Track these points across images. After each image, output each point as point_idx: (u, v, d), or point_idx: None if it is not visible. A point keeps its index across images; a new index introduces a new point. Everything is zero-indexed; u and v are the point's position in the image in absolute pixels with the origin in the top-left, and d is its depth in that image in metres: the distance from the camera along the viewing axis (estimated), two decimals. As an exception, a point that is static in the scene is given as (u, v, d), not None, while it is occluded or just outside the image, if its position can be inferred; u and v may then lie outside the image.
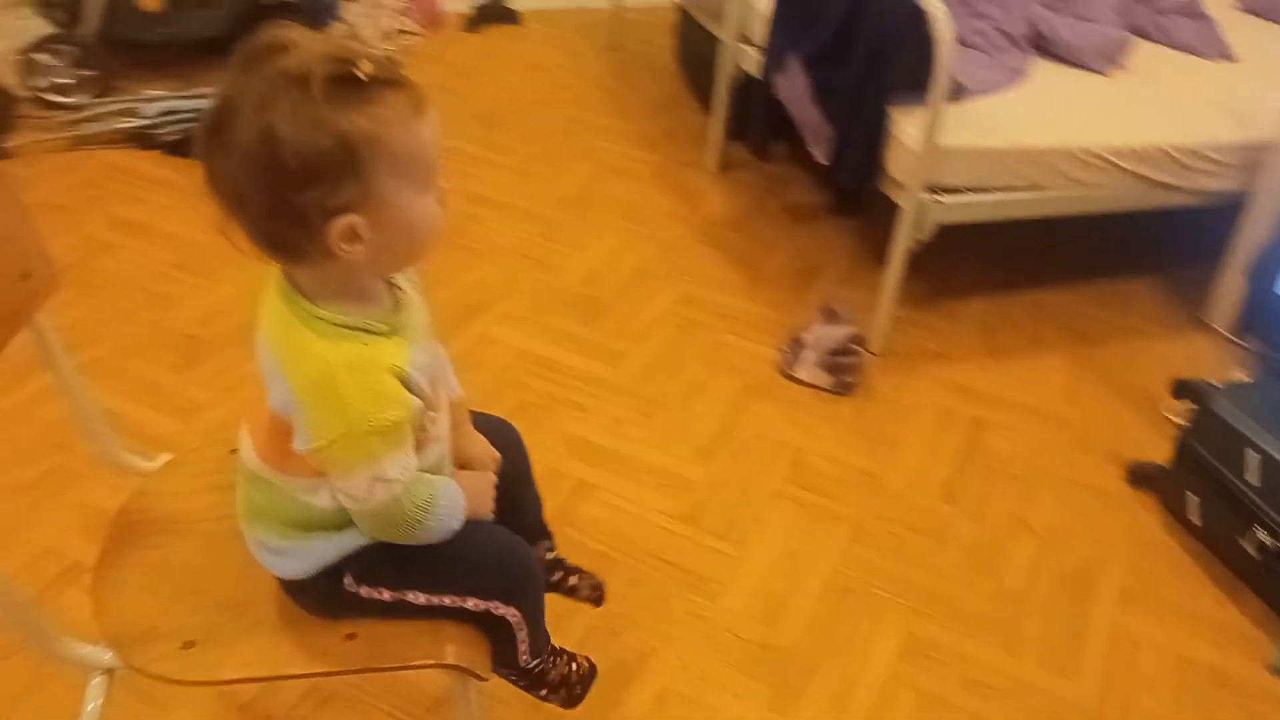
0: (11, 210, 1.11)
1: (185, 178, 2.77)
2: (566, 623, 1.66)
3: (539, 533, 1.37)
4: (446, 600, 1.08)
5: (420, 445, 1.01)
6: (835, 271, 2.64)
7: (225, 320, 2.26)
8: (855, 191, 2.33)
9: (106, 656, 1.04)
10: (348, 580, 1.06)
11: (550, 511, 1.85)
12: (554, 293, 2.45)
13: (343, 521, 1.04)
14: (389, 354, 0.95)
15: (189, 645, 1.05)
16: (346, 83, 0.84)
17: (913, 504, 1.96)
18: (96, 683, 1.05)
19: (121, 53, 3.19)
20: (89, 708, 1.03)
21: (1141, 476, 2.03)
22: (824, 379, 2.22)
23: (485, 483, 1.16)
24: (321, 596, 1.08)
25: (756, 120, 2.70)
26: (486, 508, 1.15)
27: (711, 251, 2.67)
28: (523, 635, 1.15)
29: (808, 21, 2.40)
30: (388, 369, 0.94)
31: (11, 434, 1.92)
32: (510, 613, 1.11)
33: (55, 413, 1.89)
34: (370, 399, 0.92)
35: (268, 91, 0.83)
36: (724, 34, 2.85)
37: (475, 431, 1.21)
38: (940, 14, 2.04)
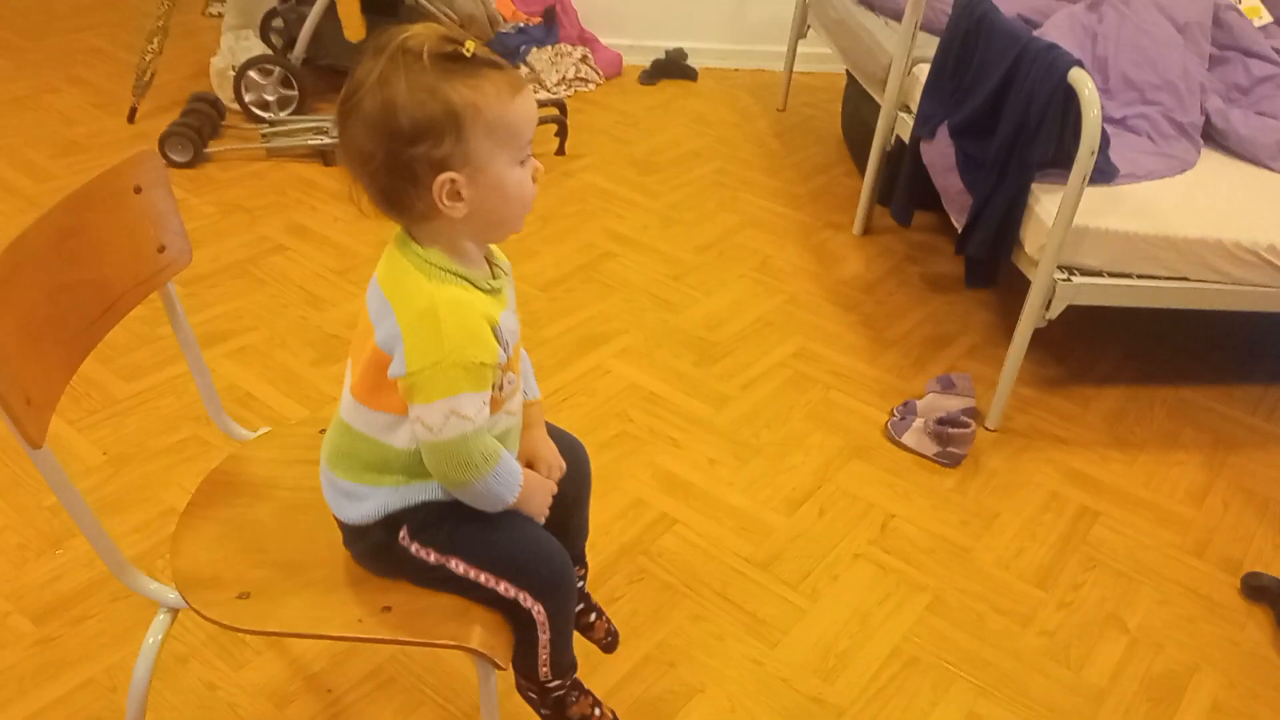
0: (160, 192, 1.25)
1: (357, 193, 3.00)
2: (623, 648, 1.69)
3: (579, 559, 1.42)
4: (483, 577, 1.15)
5: (494, 405, 1.10)
6: (965, 344, 2.59)
7: (367, 325, 2.43)
8: (986, 264, 2.29)
9: (171, 595, 1.16)
10: (403, 533, 1.15)
11: (628, 538, 1.92)
12: (673, 333, 2.52)
13: (414, 469, 1.12)
14: (486, 305, 1.07)
15: (244, 596, 1.15)
16: (453, 59, 0.99)
17: (1000, 583, 1.90)
18: (161, 618, 1.16)
19: (324, 77, 3.50)
20: (150, 640, 1.15)
21: (1257, 589, 1.90)
22: (929, 447, 2.19)
23: (544, 485, 1.23)
24: (376, 546, 1.16)
25: (901, 185, 2.70)
26: (541, 507, 1.21)
27: (839, 311, 2.68)
28: (545, 639, 1.20)
29: (960, 91, 2.41)
30: (483, 316, 1.05)
31: (162, 404, 2.12)
32: (537, 609, 1.17)
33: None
34: (463, 335, 1.03)
35: (389, 66, 0.99)
36: (884, 100, 2.87)
37: (548, 437, 1.29)
38: (1088, 93, 2.01)
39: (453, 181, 1.01)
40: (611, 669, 1.67)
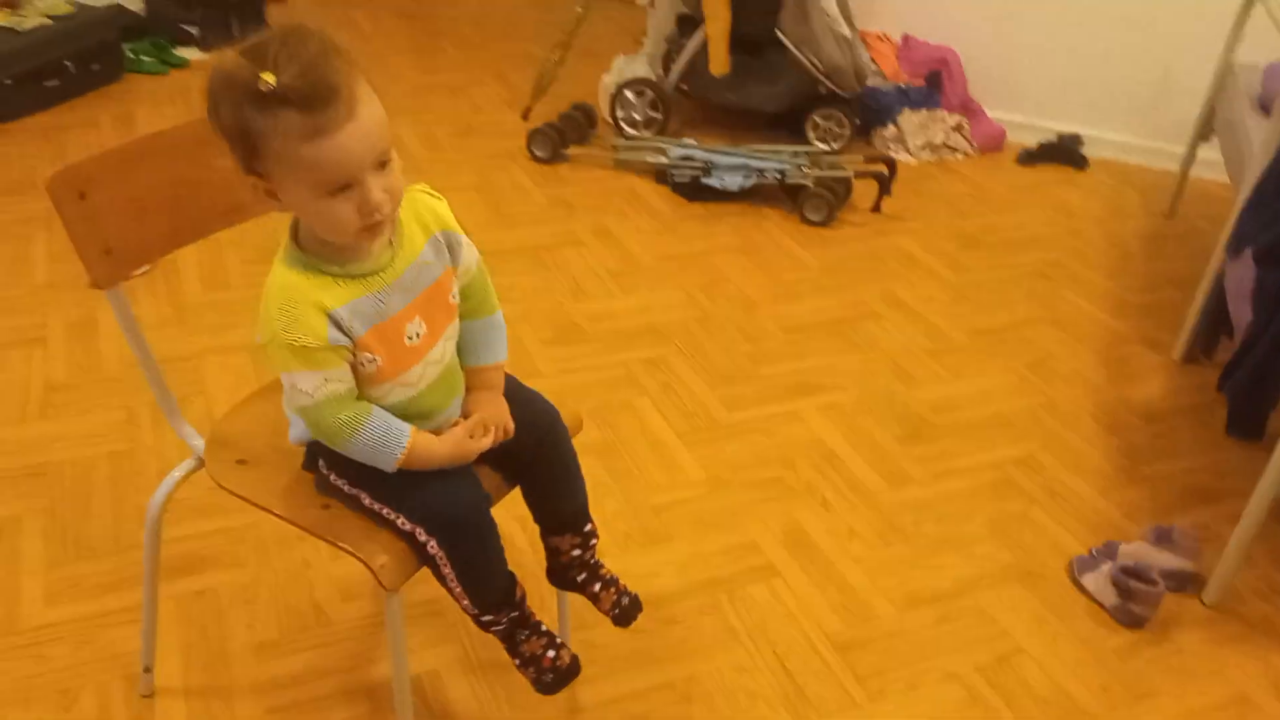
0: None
1: (671, 209, 3.19)
2: (648, 669, 1.69)
3: (568, 525, 1.43)
4: (385, 510, 1.25)
5: (368, 381, 1.19)
6: (1237, 506, 2.15)
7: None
8: (1248, 411, 1.91)
9: (199, 443, 1.39)
10: (321, 463, 1.29)
11: (719, 573, 1.90)
12: (893, 404, 2.39)
13: None
14: (323, 293, 1.12)
15: (241, 462, 1.36)
16: (251, 86, 1.00)
17: (1108, 767, 1.60)
18: (189, 462, 1.40)
19: (696, 106, 3.75)
20: (174, 474, 1.38)
21: None
22: (1108, 596, 1.88)
23: (460, 444, 1.25)
24: (312, 466, 1.32)
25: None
26: (454, 460, 1.24)
27: (1100, 431, 2.36)
28: (449, 573, 1.26)
29: (1273, 211, 2.04)
30: (313, 303, 1.12)
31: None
32: (432, 544, 1.24)
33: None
34: (283, 318, 1.11)
35: (216, 70, 1.04)
36: (1236, 211, 2.49)
37: (496, 399, 1.33)
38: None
39: (265, 187, 1.08)
40: (626, 680, 1.67)
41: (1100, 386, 2.53)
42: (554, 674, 1.39)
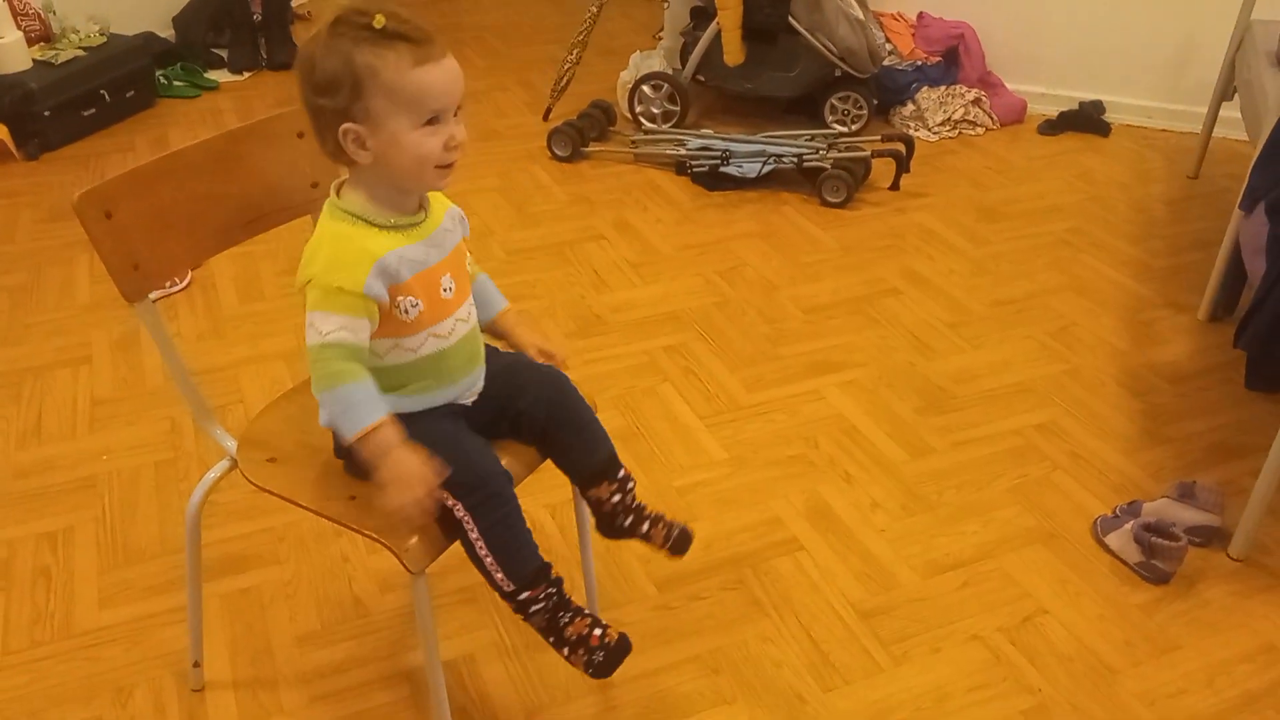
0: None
1: (690, 200, 3.23)
2: (677, 643, 1.74)
3: (601, 474, 1.46)
4: None
5: (408, 328, 1.27)
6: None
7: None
8: (1266, 362, 1.91)
9: (231, 445, 1.46)
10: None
11: (743, 550, 1.95)
12: (914, 377, 2.41)
13: None
14: (372, 241, 1.24)
15: (271, 460, 1.42)
16: (364, 28, 1.17)
17: (1134, 718, 1.62)
18: (222, 463, 1.47)
19: (716, 97, 3.78)
20: (209, 475, 1.45)
21: None
22: (1132, 554, 1.89)
23: (413, 475, 1.23)
24: (339, 448, 1.38)
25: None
26: (402, 493, 1.23)
27: (1124, 395, 2.37)
28: (476, 538, 1.29)
29: (1287, 162, 2.04)
30: (362, 249, 1.22)
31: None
32: (459, 509, 1.29)
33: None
34: (330, 262, 1.22)
35: (325, 29, 1.20)
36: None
37: (535, 324, 1.41)
38: None
39: (356, 132, 1.21)
40: (655, 655, 1.72)
41: (1124, 351, 2.53)
42: (604, 651, 1.37)
